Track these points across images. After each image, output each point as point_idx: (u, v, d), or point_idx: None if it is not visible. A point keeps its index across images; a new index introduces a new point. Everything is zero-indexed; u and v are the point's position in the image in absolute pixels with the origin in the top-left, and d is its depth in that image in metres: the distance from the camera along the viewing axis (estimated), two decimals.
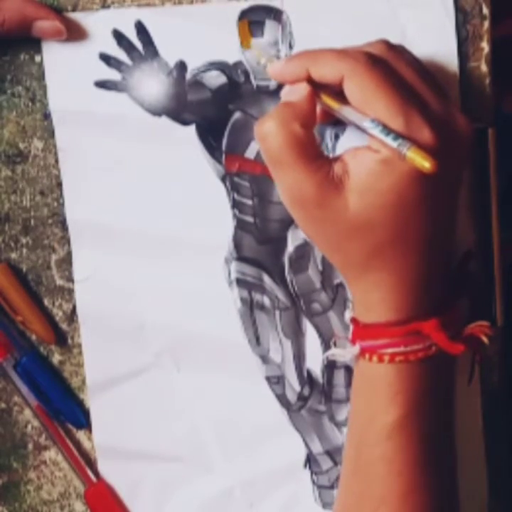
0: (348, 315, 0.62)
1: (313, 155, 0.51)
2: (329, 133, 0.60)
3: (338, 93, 0.52)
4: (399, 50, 0.54)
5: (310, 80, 0.52)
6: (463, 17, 0.59)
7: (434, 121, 0.51)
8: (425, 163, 0.48)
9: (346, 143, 0.59)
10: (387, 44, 0.54)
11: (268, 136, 0.51)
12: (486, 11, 0.59)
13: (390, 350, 0.54)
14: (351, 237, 0.52)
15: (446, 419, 0.58)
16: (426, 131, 0.50)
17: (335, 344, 0.61)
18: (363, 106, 0.51)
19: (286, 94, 0.53)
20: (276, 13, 0.59)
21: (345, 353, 0.57)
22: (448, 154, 0.51)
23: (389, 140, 0.49)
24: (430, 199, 0.52)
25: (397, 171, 0.50)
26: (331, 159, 0.52)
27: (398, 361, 0.54)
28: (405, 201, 0.51)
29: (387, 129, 0.50)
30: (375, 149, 0.51)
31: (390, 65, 0.52)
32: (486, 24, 0.59)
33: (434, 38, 0.59)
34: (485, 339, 0.57)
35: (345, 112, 0.52)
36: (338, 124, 0.58)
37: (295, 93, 0.52)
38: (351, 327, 0.57)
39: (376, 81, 0.50)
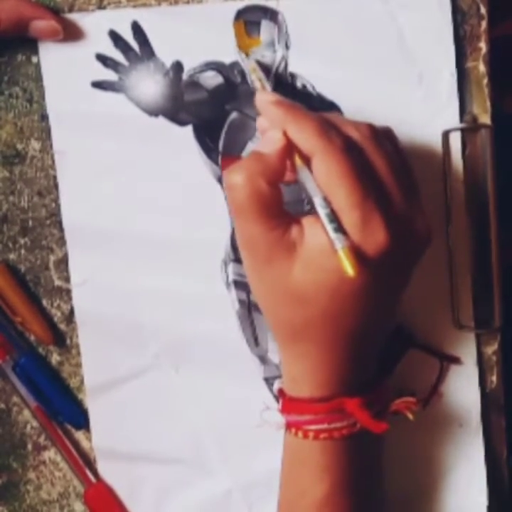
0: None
1: (273, 213, 0.51)
2: None
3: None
4: (381, 138, 0.53)
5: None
6: (460, 17, 0.59)
7: (392, 221, 0.50)
8: (349, 269, 0.48)
9: None
10: (372, 130, 0.53)
11: (235, 187, 0.51)
12: (483, 10, 0.59)
13: (314, 427, 0.54)
14: (286, 304, 0.52)
15: (376, 487, 0.59)
16: (381, 231, 0.50)
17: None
18: (325, 189, 0.50)
19: (260, 142, 0.52)
20: (272, 14, 0.59)
21: (272, 423, 0.58)
22: (399, 254, 0.51)
23: (329, 228, 0.49)
24: (371, 290, 0.51)
25: None
26: (291, 219, 0.52)
27: (323, 438, 0.54)
28: (345, 286, 0.50)
29: (333, 216, 0.49)
30: None
31: (365, 154, 0.51)
32: (484, 24, 0.59)
33: (431, 39, 0.59)
34: (410, 415, 0.57)
35: (304, 175, 0.51)
36: None
37: (268, 144, 0.51)
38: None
39: (344, 169, 0.49)
